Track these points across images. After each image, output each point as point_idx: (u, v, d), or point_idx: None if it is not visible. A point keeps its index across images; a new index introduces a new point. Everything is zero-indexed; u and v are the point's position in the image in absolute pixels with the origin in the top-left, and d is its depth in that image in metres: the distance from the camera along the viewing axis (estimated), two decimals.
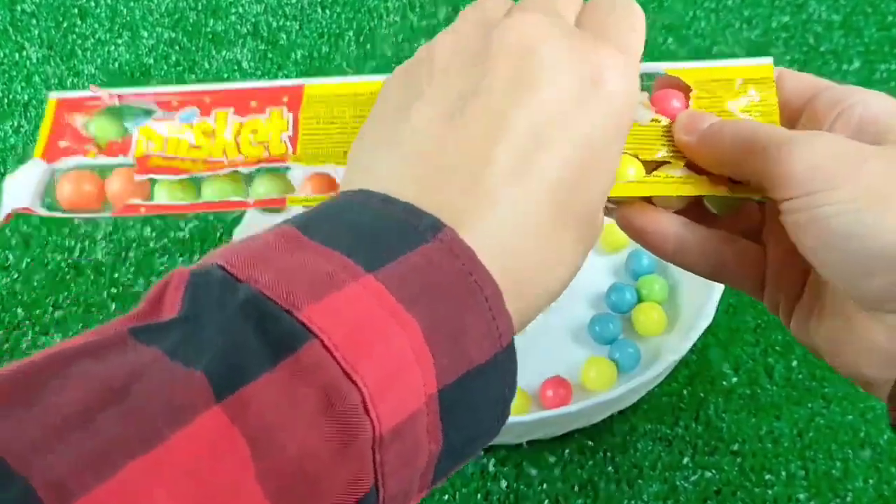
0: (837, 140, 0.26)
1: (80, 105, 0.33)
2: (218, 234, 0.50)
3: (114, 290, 0.48)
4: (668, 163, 0.30)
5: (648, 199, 0.31)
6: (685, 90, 0.32)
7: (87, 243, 0.50)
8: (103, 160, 0.31)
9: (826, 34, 0.62)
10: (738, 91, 0.31)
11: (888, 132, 0.26)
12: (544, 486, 0.40)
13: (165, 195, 0.31)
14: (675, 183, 0.30)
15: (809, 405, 0.42)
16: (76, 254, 0.50)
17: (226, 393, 0.17)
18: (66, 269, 0.49)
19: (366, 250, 0.20)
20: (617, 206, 0.31)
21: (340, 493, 0.18)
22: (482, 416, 0.21)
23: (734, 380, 0.43)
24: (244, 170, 0.31)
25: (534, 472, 0.40)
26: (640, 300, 0.45)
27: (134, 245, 0.50)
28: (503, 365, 0.21)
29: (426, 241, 0.20)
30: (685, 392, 0.43)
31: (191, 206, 0.31)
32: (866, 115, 0.27)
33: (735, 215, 0.31)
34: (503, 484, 0.40)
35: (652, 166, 0.30)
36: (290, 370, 0.18)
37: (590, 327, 0.44)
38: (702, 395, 0.43)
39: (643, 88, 0.32)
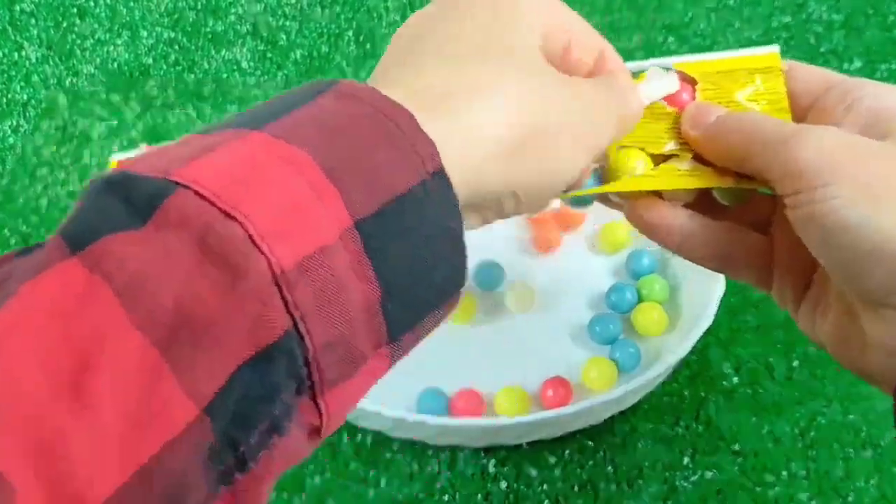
0: (840, 135, 0.26)
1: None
2: None
3: None
4: (676, 156, 0.30)
5: (657, 193, 0.31)
6: (693, 83, 0.32)
7: None
8: None
9: (827, 34, 0.62)
10: (745, 81, 0.31)
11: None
12: (544, 486, 0.40)
13: None
14: (682, 176, 0.30)
15: (811, 405, 0.42)
16: None
17: (81, 247, 0.17)
18: None
19: (259, 117, 0.19)
20: (625, 201, 0.31)
21: (243, 335, 0.17)
22: (424, 252, 0.20)
23: (735, 379, 0.43)
24: None
25: (534, 472, 0.40)
26: (640, 300, 0.45)
27: None
28: (437, 193, 0.20)
29: (321, 93, 0.19)
30: (686, 392, 0.43)
31: None
32: (876, 107, 0.27)
33: (744, 207, 0.31)
34: (503, 484, 0.40)
35: (660, 159, 0.30)
36: (157, 223, 0.17)
37: (590, 327, 0.44)
38: (702, 394, 0.43)
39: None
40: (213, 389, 0.16)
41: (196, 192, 0.17)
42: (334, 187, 0.18)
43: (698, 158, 0.30)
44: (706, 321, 0.40)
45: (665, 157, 0.30)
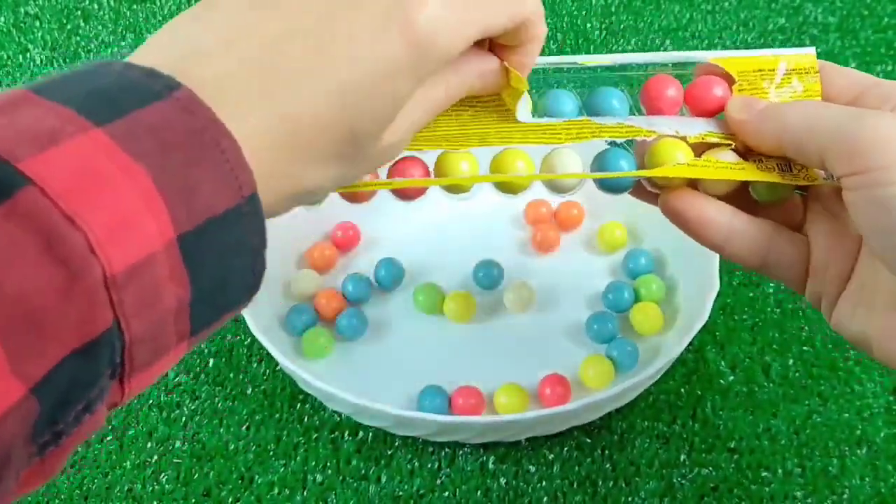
0: None
1: None
2: None
3: None
4: (716, 146, 0.30)
5: (693, 184, 0.31)
6: (727, 78, 0.32)
7: None
8: None
9: (822, 36, 0.62)
10: (781, 82, 0.31)
11: None
12: (543, 483, 0.40)
13: None
14: (724, 168, 0.30)
15: (806, 403, 0.43)
16: None
17: None
18: None
19: (98, 107, 0.20)
20: (661, 191, 0.31)
21: (73, 329, 0.19)
22: (231, 264, 0.22)
23: (731, 378, 0.44)
24: None
25: (532, 469, 0.41)
26: (637, 299, 0.46)
27: None
28: (248, 217, 0.22)
29: (160, 98, 0.21)
30: (682, 390, 0.43)
31: None
32: None
33: (777, 207, 0.31)
34: (502, 481, 0.40)
35: (698, 150, 0.31)
36: (5, 213, 0.18)
37: (588, 326, 0.45)
38: (699, 393, 0.43)
39: (686, 77, 0.33)
40: (42, 373, 0.18)
41: (43, 192, 0.18)
42: (164, 203, 0.20)
43: (738, 152, 0.30)
44: (701, 320, 0.41)
45: (703, 150, 0.30)
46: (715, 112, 0.32)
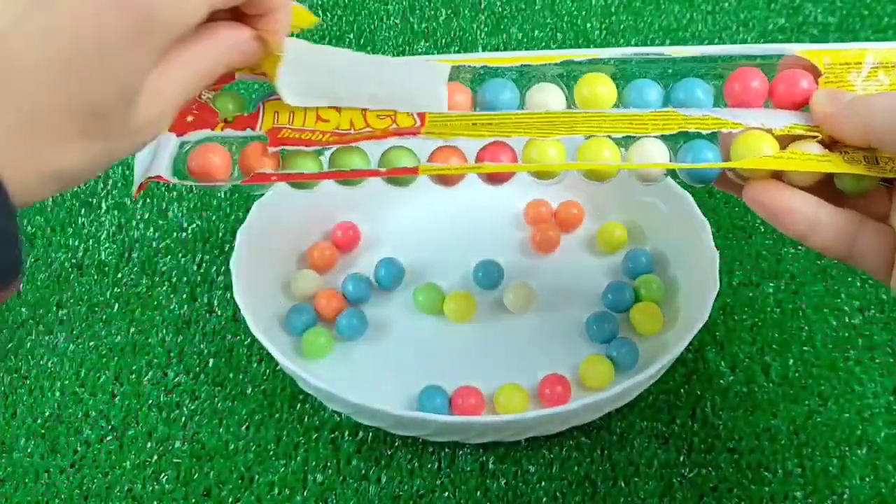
0: None
1: None
2: (220, 234, 0.51)
3: (117, 290, 0.48)
4: (801, 137, 0.31)
5: (777, 175, 0.31)
6: (812, 71, 0.32)
7: (90, 243, 0.51)
8: (230, 133, 0.33)
9: (822, 36, 0.62)
10: (868, 75, 0.32)
11: None
12: (542, 483, 0.40)
13: (294, 165, 0.33)
14: (811, 160, 0.30)
15: (806, 403, 0.43)
16: (80, 253, 0.50)
17: None
18: (70, 268, 0.49)
19: None
20: (746, 182, 0.31)
21: None
22: None
23: (731, 378, 0.44)
24: (367, 144, 0.32)
25: (532, 469, 0.41)
26: (637, 299, 0.46)
27: (137, 245, 0.50)
28: None
29: None
30: (682, 390, 0.43)
31: (320, 175, 0.33)
32: None
33: (862, 198, 0.31)
34: (502, 481, 0.40)
35: (784, 142, 0.31)
36: None
37: (587, 326, 0.45)
38: (698, 393, 0.43)
39: (770, 69, 0.33)
40: None
41: None
42: None
43: (824, 144, 0.30)
44: (701, 320, 0.41)
45: (788, 142, 0.31)
46: (800, 104, 0.32)
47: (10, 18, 0.23)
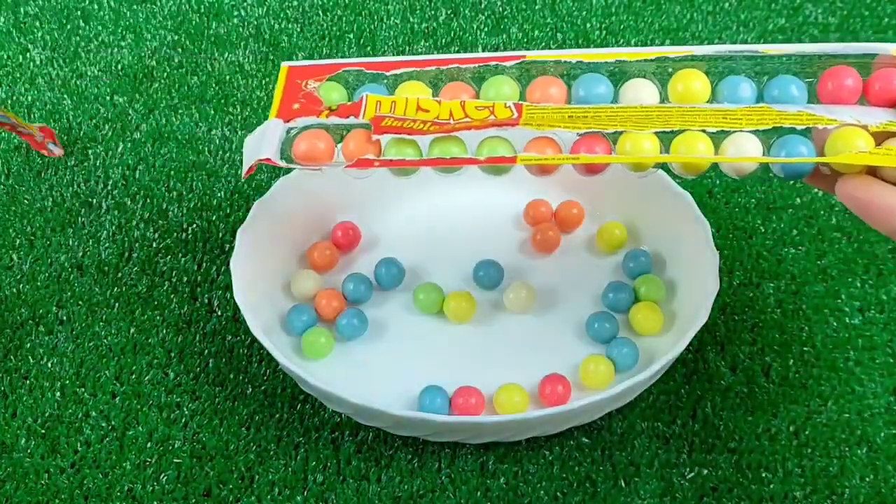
0: None
1: (309, 72, 0.36)
2: (220, 234, 0.51)
3: (117, 290, 0.48)
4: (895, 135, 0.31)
5: (870, 173, 0.31)
6: None
7: (90, 243, 0.51)
8: (335, 120, 0.35)
9: (822, 37, 0.62)
10: None
11: None
12: (543, 483, 0.40)
13: (395, 153, 0.34)
14: None
15: (806, 403, 0.43)
16: (80, 253, 0.50)
17: None
18: (70, 268, 0.49)
19: None
20: (840, 178, 0.31)
21: None
22: None
23: (731, 378, 0.44)
24: (467, 133, 0.34)
25: (532, 469, 0.41)
26: (637, 299, 0.46)
27: (137, 245, 0.51)
28: None
29: None
30: (682, 390, 0.43)
31: (421, 162, 0.34)
32: None
33: None
34: (502, 481, 0.40)
35: (879, 139, 0.31)
36: None
37: (588, 326, 0.45)
38: (699, 393, 0.43)
39: (866, 68, 0.34)
40: None
41: None
42: None
43: None
44: (701, 320, 0.41)
45: (883, 139, 0.31)
46: None
47: None
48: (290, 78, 0.36)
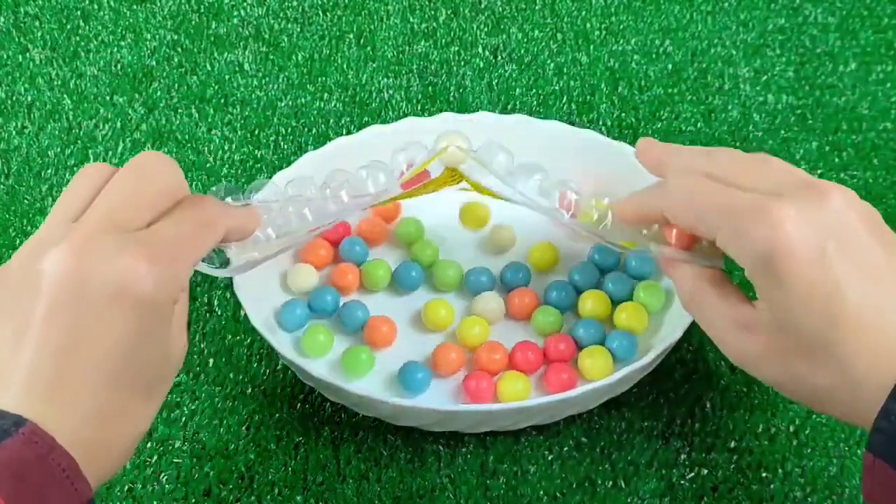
0: None
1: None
2: None
3: None
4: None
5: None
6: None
7: None
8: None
9: (822, 36, 0.62)
10: None
11: None
12: (542, 482, 0.40)
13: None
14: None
15: None
16: None
17: None
18: None
19: None
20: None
21: None
22: None
23: (730, 378, 0.44)
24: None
25: (532, 468, 0.41)
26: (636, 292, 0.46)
27: None
28: None
29: (10, 435, 0.27)
30: (682, 390, 0.43)
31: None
32: None
33: None
34: (502, 480, 0.40)
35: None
36: None
37: (590, 257, 0.47)
38: (698, 393, 0.43)
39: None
40: None
41: None
42: None
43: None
44: None
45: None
46: None
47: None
48: None
